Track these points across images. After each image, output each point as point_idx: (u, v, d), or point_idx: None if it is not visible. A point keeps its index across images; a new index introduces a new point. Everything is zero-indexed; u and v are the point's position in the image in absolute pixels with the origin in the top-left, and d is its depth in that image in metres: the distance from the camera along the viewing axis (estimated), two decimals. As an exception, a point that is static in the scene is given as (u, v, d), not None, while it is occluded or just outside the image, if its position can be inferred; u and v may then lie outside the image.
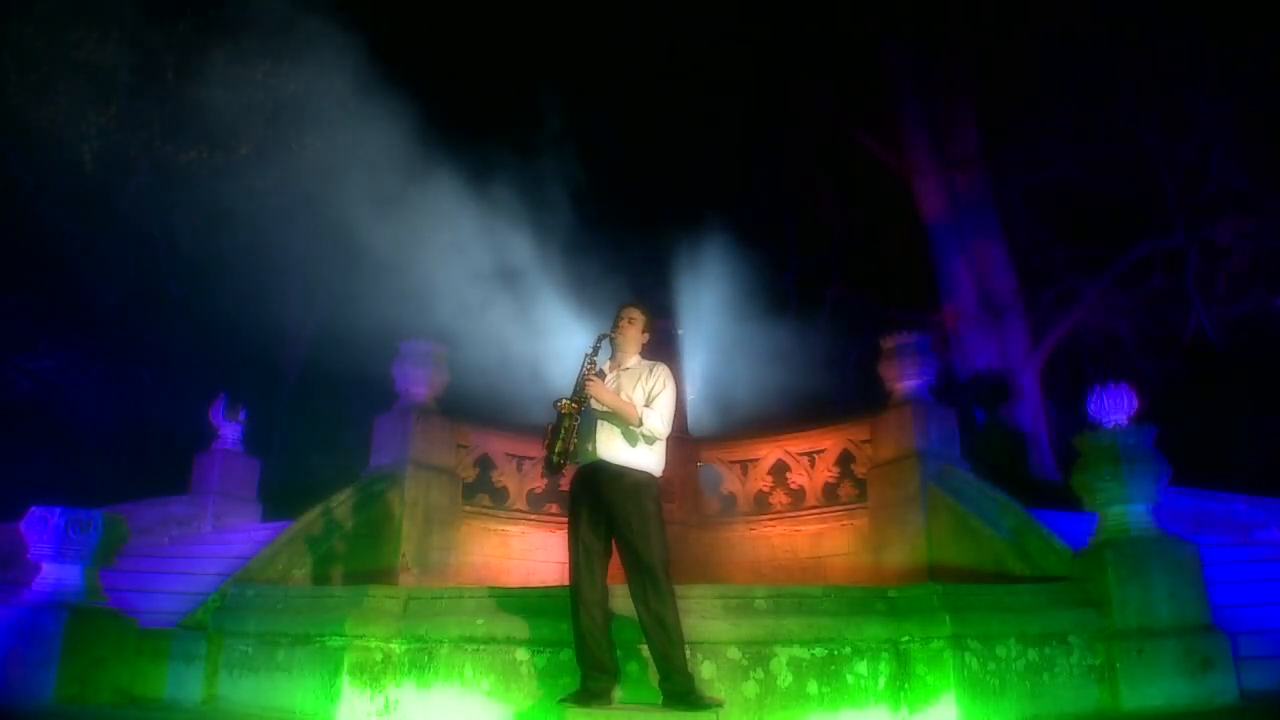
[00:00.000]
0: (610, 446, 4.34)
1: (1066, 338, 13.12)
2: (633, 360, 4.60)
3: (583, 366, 4.45)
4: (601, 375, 4.49)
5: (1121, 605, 5.21)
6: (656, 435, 4.38)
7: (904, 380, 8.31)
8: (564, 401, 4.35)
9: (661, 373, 4.54)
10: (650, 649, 4.22)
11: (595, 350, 4.50)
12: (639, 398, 4.42)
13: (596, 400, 4.36)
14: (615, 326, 4.61)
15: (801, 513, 8.83)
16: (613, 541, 4.32)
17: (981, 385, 12.33)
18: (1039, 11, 12.22)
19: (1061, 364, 13.52)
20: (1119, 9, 12.03)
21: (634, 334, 4.61)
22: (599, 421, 4.38)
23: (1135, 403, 6.81)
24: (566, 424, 4.34)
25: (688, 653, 4.25)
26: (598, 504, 4.28)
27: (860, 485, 8.56)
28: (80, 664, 5.64)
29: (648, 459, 4.39)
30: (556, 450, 4.33)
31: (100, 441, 13.79)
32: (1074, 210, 13.13)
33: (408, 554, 7.80)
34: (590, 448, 4.37)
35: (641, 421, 4.32)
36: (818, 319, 14.99)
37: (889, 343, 8.49)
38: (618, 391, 4.43)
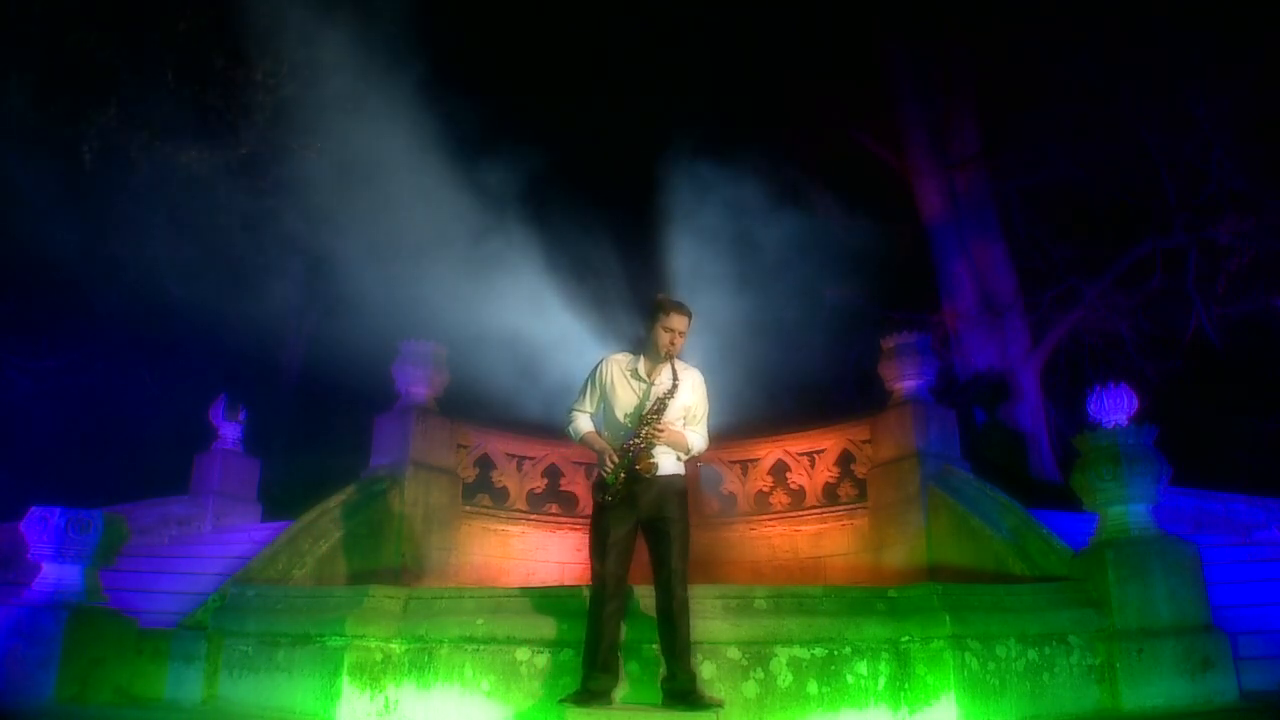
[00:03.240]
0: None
1: (1066, 338, 13.12)
2: (678, 369, 4.43)
3: (654, 415, 4.30)
4: (637, 376, 4.46)
5: (1121, 605, 5.21)
6: (697, 455, 4.54)
7: (904, 380, 8.31)
8: (640, 465, 4.25)
9: (700, 388, 4.54)
10: (663, 644, 4.26)
11: (671, 394, 4.34)
12: (679, 413, 4.42)
13: (665, 443, 4.33)
14: (671, 345, 4.39)
15: (801, 513, 8.83)
16: (636, 541, 4.37)
17: (981, 385, 12.33)
18: (1039, 11, 12.23)
19: (1061, 364, 13.52)
20: (1119, 9, 12.03)
21: (683, 344, 4.49)
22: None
23: (1135, 403, 6.80)
24: (642, 477, 4.26)
25: (691, 652, 4.29)
26: (632, 507, 4.30)
27: (860, 485, 8.56)
28: (80, 664, 5.64)
29: (679, 463, 4.47)
30: (619, 491, 4.26)
31: (100, 441, 13.79)
32: (1074, 210, 13.12)
33: (408, 554, 7.81)
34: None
35: (689, 450, 4.44)
36: (818, 319, 14.97)
37: (889, 343, 8.49)
38: (660, 403, 4.35)
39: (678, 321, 4.41)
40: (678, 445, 4.41)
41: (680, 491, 4.39)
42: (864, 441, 8.63)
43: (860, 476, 8.59)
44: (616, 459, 4.29)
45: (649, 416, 4.32)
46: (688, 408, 4.47)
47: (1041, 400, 12.58)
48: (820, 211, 14.13)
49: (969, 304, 12.83)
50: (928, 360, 8.33)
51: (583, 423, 4.57)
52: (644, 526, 4.33)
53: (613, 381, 4.50)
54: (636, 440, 4.29)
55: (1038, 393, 12.51)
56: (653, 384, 4.42)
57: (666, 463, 4.38)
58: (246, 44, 10.34)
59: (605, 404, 4.52)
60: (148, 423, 14.08)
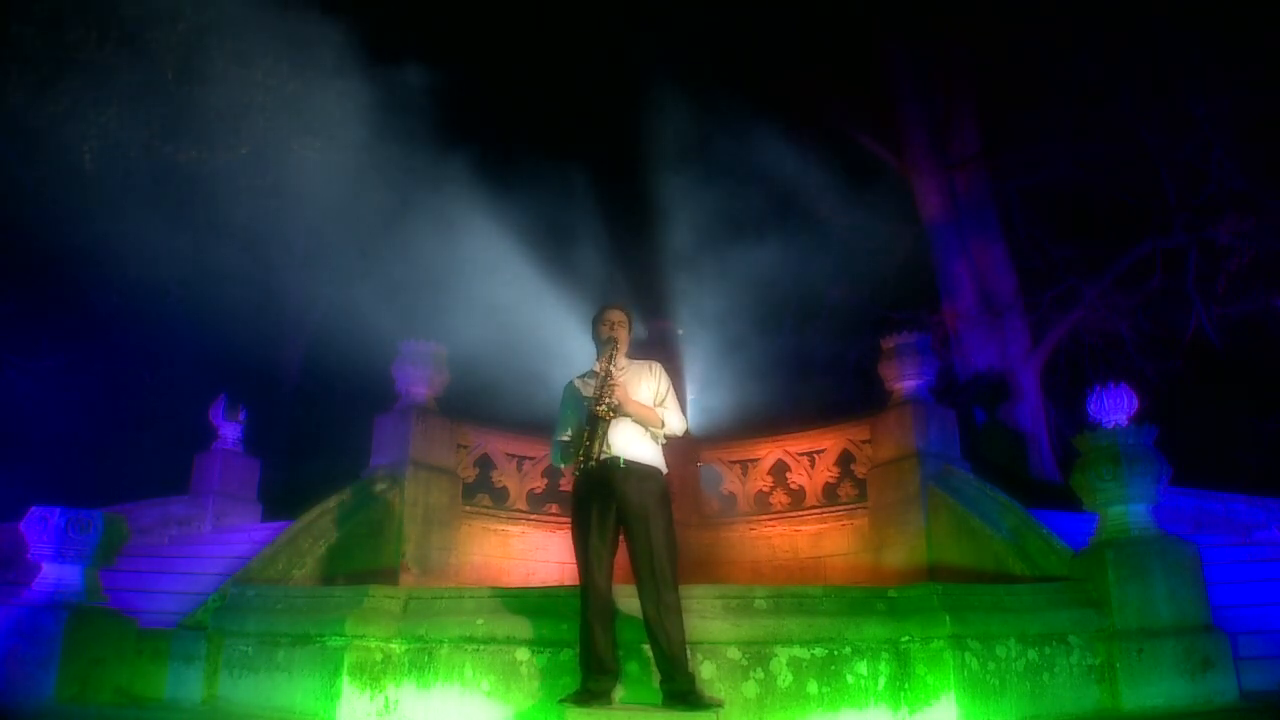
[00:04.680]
0: (626, 445, 4.35)
1: (1066, 338, 13.11)
2: (623, 360, 4.58)
3: (603, 377, 4.39)
4: (594, 376, 4.51)
5: (1121, 605, 5.21)
6: (677, 433, 4.56)
7: (904, 380, 8.32)
8: (602, 407, 4.29)
9: (660, 371, 4.66)
10: (654, 647, 4.24)
11: (611, 359, 4.44)
12: (645, 397, 4.50)
13: (623, 409, 4.35)
14: (611, 333, 4.56)
15: (801, 513, 8.84)
16: (619, 539, 4.34)
17: (981, 385, 12.32)
18: (1039, 11, 12.22)
19: (1061, 364, 13.52)
20: (1119, 8, 12.03)
21: (626, 336, 4.66)
22: (613, 421, 4.38)
23: (1135, 403, 6.79)
24: (602, 428, 4.29)
25: (688, 652, 4.27)
26: (609, 501, 4.28)
27: (860, 485, 8.57)
28: (80, 664, 5.64)
29: (659, 456, 4.47)
30: (593, 452, 4.26)
31: (100, 441, 13.79)
32: (1074, 210, 13.14)
33: (408, 554, 7.81)
34: (606, 447, 4.34)
35: (664, 424, 4.44)
36: (818, 319, 14.98)
37: (889, 343, 8.49)
38: (606, 369, 4.43)
39: (612, 315, 4.63)
40: (647, 419, 4.40)
41: (661, 492, 4.36)
42: (864, 441, 8.63)
43: (860, 476, 8.59)
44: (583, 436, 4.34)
45: (602, 383, 4.36)
46: (655, 392, 4.54)
47: (1041, 400, 12.57)
48: (820, 212, 14.15)
49: (969, 304, 12.82)
50: (928, 360, 8.33)
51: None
52: (624, 527, 4.29)
53: (575, 391, 4.62)
54: (593, 403, 4.34)
55: (1038, 393, 12.51)
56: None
57: (641, 448, 4.37)
58: (245, 42, 10.35)
59: (577, 416, 4.55)
60: (148, 423, 14.09)
